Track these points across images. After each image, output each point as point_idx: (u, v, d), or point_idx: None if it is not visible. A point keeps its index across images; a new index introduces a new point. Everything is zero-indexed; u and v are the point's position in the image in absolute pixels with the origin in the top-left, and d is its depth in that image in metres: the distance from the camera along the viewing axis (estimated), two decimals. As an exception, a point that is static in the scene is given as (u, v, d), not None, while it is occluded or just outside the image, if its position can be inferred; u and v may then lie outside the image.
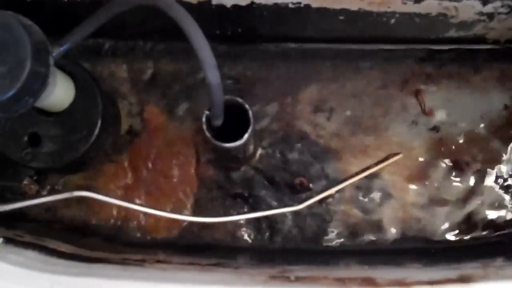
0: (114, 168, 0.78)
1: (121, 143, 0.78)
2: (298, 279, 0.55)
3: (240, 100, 0.59)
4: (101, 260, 0.61)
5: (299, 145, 0.79)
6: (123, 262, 0.62)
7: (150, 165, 0.78)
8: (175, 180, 0.78)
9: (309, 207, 0.71)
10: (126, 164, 0.78)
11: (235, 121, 0.59)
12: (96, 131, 0.66)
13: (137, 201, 0.75)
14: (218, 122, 0.58)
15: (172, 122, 0.79)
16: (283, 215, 0.75)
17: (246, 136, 0.58)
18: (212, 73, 0.52)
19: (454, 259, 0.67)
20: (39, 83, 0.52)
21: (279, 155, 0.79)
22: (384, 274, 0.58)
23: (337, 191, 0.75)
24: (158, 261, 0.66)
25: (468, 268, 0.60)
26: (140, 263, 0.63)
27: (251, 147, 0.72)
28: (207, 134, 0.58)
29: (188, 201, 0.77)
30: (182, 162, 0.78)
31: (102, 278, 0.53)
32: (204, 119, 0.58)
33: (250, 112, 0.59)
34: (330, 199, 0.76)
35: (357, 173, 0.64)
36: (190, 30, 0.51)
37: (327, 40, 0.80)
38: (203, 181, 0.78)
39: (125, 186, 0.77)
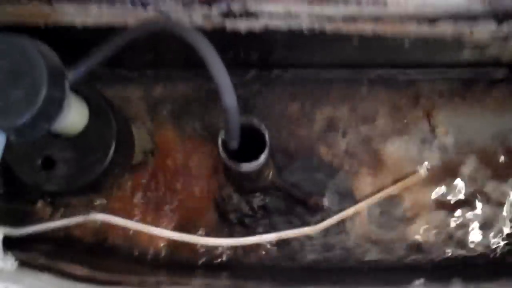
0: (129, 189, 0.77)
1: (137, 164, 0.77)
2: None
3: (256, 121, 0.58)
4: (117, 283, 0.60)
5: (313, 165, 0.79)
6: (140, 285, 0.62)
7: (164, 186, 0.78)
8: (189, 200, 0.77)
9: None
10: (141, 185, 0.77)
11: (249, 140, 0.59)
12: (111, 153, 0.66)
13: (152, 222, 0.75)
14: (234, 145, 0.58)
15: (187, 142, 0.79)
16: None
17: (262, 157, 0.58)
18: (229, 97, 0.52)
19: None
20: (55, 108, 0.52)
21: (293, 176, 0.78)
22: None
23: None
24: (174, 283, 0.65)
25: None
26: (157, 285, 0.62)
27: (267, 170, 0.72)
28: (223, 155, 0.58)
29: (202, 223, 0.76)
30: (196, 183, 0.78)
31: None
32: (220, 142, 0.58)
33: (267, 134, 0.58)
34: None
35: (374, 193, 0.64)
36: (207, 54, 0.51)
37: (341, 65, 0.80)
38: (217, 202, 0.77)
39: (140, 207, 0.77)
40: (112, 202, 0.77)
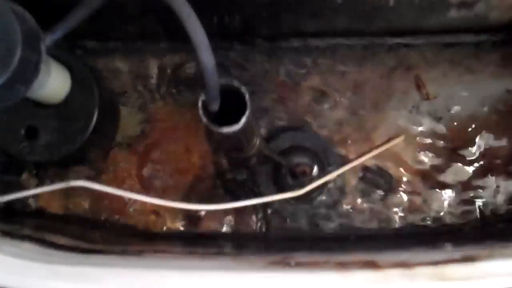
0: (119, 162, 0.77)
1: (127, 137, 0.77)
2: (298, 264, 0.54)
3: (236, 83, 0.57)
4: (99, 252, 0.60)
5: (302, 135, 0.78)
6: (122, 253, 0.61)
7: (155, 156, 0.78)
8: (178, 169, 0.77)
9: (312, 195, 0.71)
10: (131, 158, 0.77)
11: (234, 108, 0.58)
12: (93, 121, 0.65)
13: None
14: (215, 106, 0.57)
15: (177, 112, 0.79)
16: (284, 202, 0.74)
17: (243, 119, 0.57)
18: (205, 55, 0.51)
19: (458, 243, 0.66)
20: (31, 70, 0.51)
21: (281, 146, 0.78)
22: (386, 257, 0.56)
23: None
24: (157, 251, 0.65)
25: (474, 250, 0.59)
26: (139, 253, 0.62)
27: (253, 137, 0.71)
28: (204, 118, 0.57)
29: (189, 190, 0.76)
30: (186, 152, 0.77)
31: (99, 266, 0.52)
32: (200, 104, 0.57)
33: (247, 96, 0.57)
34: (331, 185, 0.75)
35: (358, 157, 0.63)
36: (181, 11, 0.50)
37: (328, 33, 0.80)
38: (205, 170, 0.77)
39: (130, 180, 0.77)
40: (101, 175, 0.76)
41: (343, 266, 0.52)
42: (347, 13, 0.73)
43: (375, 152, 0.62)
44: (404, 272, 0.51)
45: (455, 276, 0.51)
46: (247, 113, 0.57)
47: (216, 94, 0.55)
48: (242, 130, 0.60)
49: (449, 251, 0.61)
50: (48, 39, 0.54)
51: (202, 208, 0.63)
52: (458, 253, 0.55)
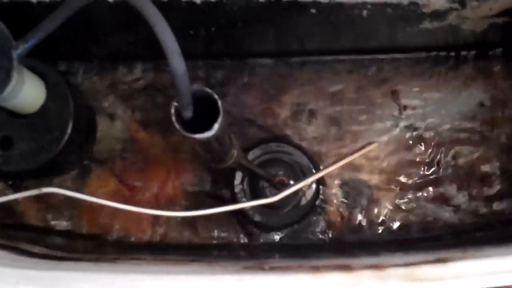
0: (93, 177, 0.77)
1: (104, 152, 0.78)
2: (272, 269, 0.54)
3: (208, 90, 0.58)
4: (73, 259, 0.60)
5: (280, 147, 0.79)
6: (95, 260, 0.61)
7: (132, 174, 0.78)
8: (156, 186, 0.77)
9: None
10: (106, 173, 0.77)
11: (210, 117, 0.59)
12: (68, 131, 0.65)
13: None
14: (188, 113, 0.57)
15: (155, 132, 0.79)
16: (263, 214, 0.75)
17: (215, 126, 0.57)
18: (176, 61, 0.51)
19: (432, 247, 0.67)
20: (2, 77, 0.52)
21: (260, 156, 0.78)
22: (360, 261, 0.56)
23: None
24: (132, 259, 0.64)
25: (447, 253, 0.59)
26: (113, 260, 0.62)
27: (232, 150, 0.71)
28: (177, 125, 0.57)
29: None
30: (162, 170, 0.78)
31: (71, 271, 0.52)
32: (172, 111, 0.57)
33: (219, 102, 0.58)
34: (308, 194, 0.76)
35: (333, 163, 0.63)
36: (151, 15, 0.50)
37: (306, 50, 0.81)
38: (184, 186, 0.77)
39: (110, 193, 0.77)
40: (79, 186, 0.76)
41: (316, 269, 0.52)
42: (321, 26, 0.74)
43: (349, 158, 0.62)
44: (376, 274, 0.51)
45: (427, 277, 0.51)
46: (219, 119, 0.58)
47: (188, 100, 0.55)
48: (216, 137, 0.60)
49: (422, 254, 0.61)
50: (21, 48, 0.54)
51: (174, 215, 0.63)
52: (430, 255, 0.56)
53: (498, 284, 0.54)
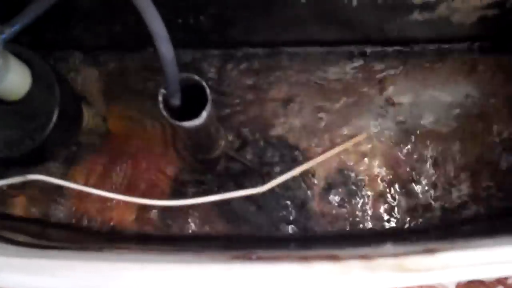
0: (79, 165, 0.76)
1: (89, 141, 0.77)
2: (260, 258, 0.54)
3: (196, 77, 0.57)
4: (57, 248, 0.59)
5: (269, 139, 0.78)
6: (81, 249, 0.60)
7: (118, 164, 0.77)
8: (142, 175, 0.76)
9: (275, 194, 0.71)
10: (91, 161, 0.76)
11: (198, 106, 0.58)
12: (54, 119, 0.64)
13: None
14: (176, 101, 0.56)
15: (140, 121, 0.79)
16: (248, 203, 0.74)
17: (204, 113, 0.57)
18: (165, 47, 0.51)
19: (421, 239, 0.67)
20: (-15, 62, 0.51)
21: (249, 149, 0.78)
22: (348, 252, 0.56)
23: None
24: (118, 248, 0.64)
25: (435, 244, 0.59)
26: (98, 249, 0.61)
27: (217, 137, 0.71)
28: (164, 113, 0.56)
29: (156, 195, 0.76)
30: (147, 159, 0.77)
31: (56, 259, 0.51)
32: (160, 98, 0.56)
33: (208, 90, 0.57)
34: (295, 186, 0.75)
35: (321, 153, 0.63)
36: (139, 2, 0.49)
37: (296, 41, 0.81)
38: (170, 173, 0.76)
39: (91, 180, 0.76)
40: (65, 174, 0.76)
41: (304, 259, 0.52)
42: (311, 16, 0.73)
43: (337, 149, 0.62)
44: (365, 264, 0.51)
45: (415, 267, 0.51)
46: (207, 106, 0.57)
47: (176, 87, 0.55)
48: (204, 126, 0.60)
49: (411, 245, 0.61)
50: (6, 32, 0.53)
51: (159, 204, 0.62)
52: (419, 246, 0.56)
53: (486, 275, 0.54)
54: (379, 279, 0.51)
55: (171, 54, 0.51)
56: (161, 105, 0.57)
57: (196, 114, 0.58)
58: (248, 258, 0.54)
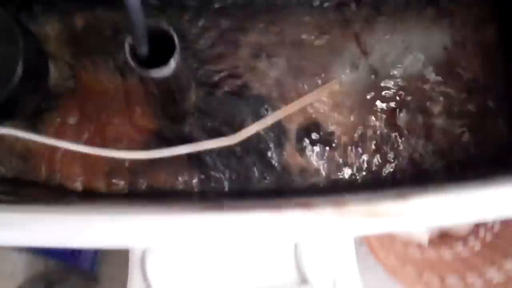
0: (47, 120, 0.75)
1: (57, 97, 0.75)
2: (232, 207, 0.53)
3: (164, 24, 0.56)
4: (26, 203, 0.58)
5: (240, 92, 0.77)
6: (50, 203, 0.60)
7: (87, 120, 0.76)
8: (110, 131, 0.75)
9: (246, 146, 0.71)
10: (62, 119, 0.75)
11: (167, 55, 0.57)
12: (18, 72, 0.63)
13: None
14: (143, 50, 0.55)
15: (106, 74, 0.76)
16: (220, 156, 0.73)
17: (172, 61, 0.56)
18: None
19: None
20: None
21: (219, 102, 0.77)
22: (321, 200, 0.56)
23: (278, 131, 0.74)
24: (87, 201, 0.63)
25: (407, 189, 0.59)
26: (68, 202, 0.60)
27: (190, 92, 0.70)
28: (132, 63, 0.55)
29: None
30: (117, 114, 0.76)
31: (25, 213, 0.50)
32: (127, 47, 0.55)
33: (176, 37, 0.56)
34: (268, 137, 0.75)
35: (294, 103, 0.62)
36: None
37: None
38: (140, 130, 0.75)
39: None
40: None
41: (275, 207, 0.52)
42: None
43: (309, 97, 0.61)
44: (336, 210, 0.51)
45: (387, 213, 0.51)
46: (175, 54, 0.56)
47: (143, 35, 0.53)
48: (174, 76, 0.59)
49: (383, 191, 0.61)
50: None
51: (130, 157, 0.61)
52: (391, 191, 0.56)
53: (458, 221, 0.54)
54: (350, 225, 0.51)
55: (137, 1, 0.50)
56: (128, 55, 0.56)
57: (164, 63, 0.57)
58: (220, 208, 0.53)
